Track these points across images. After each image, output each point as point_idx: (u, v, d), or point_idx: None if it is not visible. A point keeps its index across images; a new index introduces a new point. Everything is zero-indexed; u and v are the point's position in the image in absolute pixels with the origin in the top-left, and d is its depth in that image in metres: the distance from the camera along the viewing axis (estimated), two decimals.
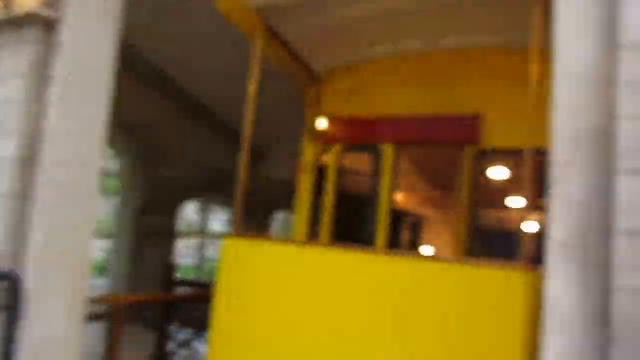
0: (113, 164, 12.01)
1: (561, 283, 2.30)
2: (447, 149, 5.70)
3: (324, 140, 6.12)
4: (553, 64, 2.52)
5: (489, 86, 5.43)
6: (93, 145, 4.57)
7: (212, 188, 12.83)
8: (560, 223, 2.41)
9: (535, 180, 3.95)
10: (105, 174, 11.91)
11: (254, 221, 13.36)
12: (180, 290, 7.48)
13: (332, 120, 6.12)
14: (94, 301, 4.95)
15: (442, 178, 7.75)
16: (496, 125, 5.35)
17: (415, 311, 3.73)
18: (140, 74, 10.22)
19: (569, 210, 2.39)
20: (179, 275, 13.60)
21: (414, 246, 9.51)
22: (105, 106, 4.69)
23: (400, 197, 8.36)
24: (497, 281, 3.54)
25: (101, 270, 14.15)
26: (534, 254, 3.66)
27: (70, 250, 4.26)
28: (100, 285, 11.72)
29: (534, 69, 4.26)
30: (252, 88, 5.17)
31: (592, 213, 2.35)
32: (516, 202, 7.22)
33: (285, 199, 13.22)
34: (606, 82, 2.40)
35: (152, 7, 8.66)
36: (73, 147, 4.39)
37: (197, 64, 10.47)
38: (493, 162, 5.82)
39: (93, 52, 4.57)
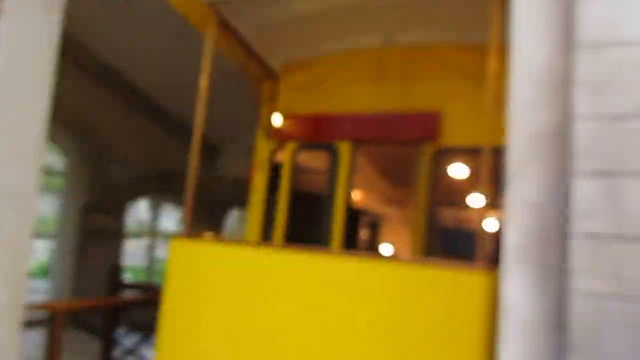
0: (57, 161, 11.64)
1: (518, 286, 2.31)
2: (405, 146, 5.71)
3: (279, 137, 6.05)
4: (510, 61, 2.52)
5: (447, 83, 5.46)
6: (33, 142, 4.38)
7: (163, 186, 12.58)
8: (516, 224, 2.42)
9: (494, 178, 3.99)
10: (49, 172, 11.53)
11: (206, 220, 13.17)
12: (128, 293, 7.29)
13: (287, 117, 6.06)
14: (33, 307, 4.76)
15: (401, 176, 7.79)
16: (455, 122, 5.39)
17: (370, 313, 3.71)
18: (85, 67, 9.92)
19: (525, 211, 2.40)
20: (127, 277, 13.29)
21: (372, 246, 9.55)
22: (46, 102, 4.50)
23: (358, 196, 8.37)
24: (455, 282, 3.55)
25: (44, 272, 13.72)
26: (493, 254, 3.69)
27: (8, 252, 4.07)
28: (43, 288, 11.34)
29: (492, 65, 4.29)
30: (203, 82, 5.05)
31: (548, 214, 2.36)
32: (475, 200, 7.32)
33: (240, 197, 13.09)
34: (563, 80, 2.41)
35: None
36: (11, 144, 4.20)
37: (146, 57, 10.25)
38: (452, 160, 5.86)
39: (33, 44, 4.38)
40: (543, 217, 2.40)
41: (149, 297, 6.20)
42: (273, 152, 6.09)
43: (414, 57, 5.62)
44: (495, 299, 3.58)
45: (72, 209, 10.68)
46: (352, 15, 5.53)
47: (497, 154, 4.15)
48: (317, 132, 5.95)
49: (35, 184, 4.59)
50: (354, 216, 6.05)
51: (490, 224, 4.20)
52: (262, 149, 6.11)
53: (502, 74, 4.38)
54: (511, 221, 2.43)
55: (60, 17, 4.67)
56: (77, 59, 9.46)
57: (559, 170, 2.35)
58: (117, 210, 11.41)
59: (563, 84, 2.41)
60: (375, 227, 9.81)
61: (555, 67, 2.39)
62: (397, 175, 8.18)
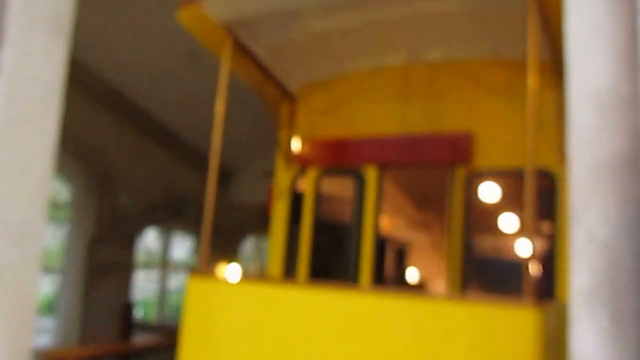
0: (61, 191, 11.63)
1: (590, 335, 2.15)
2: (435, 170, 5.59)
3: (300, 163, 5.95)
4: (565, 83, 2.40)
5: (478, 101, 5.35)
6: (39, 175, 4.32)
7: (174, 214, 12.53)
8: (583, 264, 2.27)
9: (535, 203, 3.86)
10: (53, 202, 11.52)
11: (220, 248, 13.08)
12: (141, 336, 7.17)
13: (308, 141, 5.96)
14: (39, 355, 4.65)
15: (429, 198, 7.66)
16: (488, 143, 5.26)
17: (404, 356, 3.56)
18: (91, 91, 9.94)
19: (593, 250, 2.25)
20: (138, 314, 13.18)
21: (398, 274, 9.38)
22: (54, 134, 4.46)
23: (383, 221, 8.24)
24: (500, 320, 3.40)
25: (48, 308, 13.65)
26: (537, 286, 3.55)
27: (11, 293, 3.99)
28: (47, 328, 11.25)
29: (532, 82, 4.19)
30: (219, 108, 5.00)
31: (619, 252, 2.21)
32: (512, 226, 7.15)
33: (255, 224, 12.98)
34: (630, 103, 2.28)
35: (107, 21, 8.46)
36: (16, 178, 4.14)
37: (156, 79, 10.27)
38: (487, 184, 5.72)
39: (39, 72, 4.32)
40: (614, 255, 2.24)
41: (164, 340, 6.07)
42: (294, 179, 5.98)
43: (441, 74, 5.53)
44: (547, 339, 3.42)
45: (79, 241, 10.62)
46: (374, 32, 5.46)
47: (539, 176, 4.02)
48: (340, 157, 5.84)
49: (42, 219, 4.53)
50: (380, 245, 5.91)
51: (530, 252, 4.06)
52: (282, 176, 6.01)
53: (540, 91, 4.28)
54: (578, 261, 2.27)
55: (68, 44, 4.64)
56: (82, 82, 9.48)
57: (630, 203, 2.21)
58: (126, 241, 11.36)
59: (631, 107, 2.27)
60: (401, 254, 9.65)
61: (621, 88, 2.27)
62: (425, 198, 8.05)
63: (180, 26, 5.30)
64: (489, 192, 5.77)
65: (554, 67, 5.11)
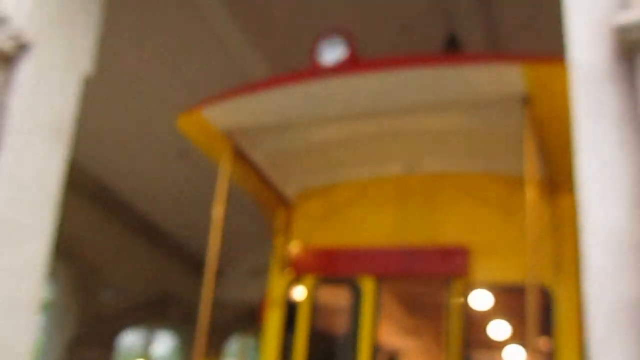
0: (43, 289, 11.35)
1: None
2: (432, 283, 5.57)
3: (295, 271, 5.90)
4: (580, 225, 2.45)
5: (475, 214, 5.42)
6: (32, 285, 4.25)
7: (158, 311, 12.23)
8: None
9: (536, 319, 3.85)
10: None
11: (206, 346, 12.70)
12: None
13: (304, 248, 5.95)
14: None
15: (420, 303, 7.57)
16: (485, 257, 5.29)
17: None
18: (81, 188, 9.89)
19: None
20: None
21: None
22: (49, 241, 4.43)
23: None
24: None
25: None
26: None
27: None
28: None
29: (531, 200, 4.28)
30: (218, 211, 5.05)
31: None
32: (507, 338, 7.05)
33: (243, 323, 12.68)
34: None
35: (98, 117, 8.57)
36: (8, 286, 4.07)
37: (145, 176, 10.32)
38: (484, 299, 5.69)
39: (39, 180, 4.35)
40: None
41: None
42: (288, 287, 5.91)
43: (438, 186, 5.62)
44: None
45: (57, 342, 10.25)
46: (371, 143, 5.59)
47: (538, 292, 4.02)
48: (336, 266, 5.82)
49: (34, 329, 4.40)
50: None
51: None
52: (277, 283, 5.94)
53: (536, 207, 4.36)
54: None
55: (67, 149, 4.68)
56: (69, 176, 9.45)
57: None
58: (108, 341, 11.01)
59: None
60: None
61: (635, 230, 2.32)
62: (413, 301, 7.96)
63: (172, 125, 5.41)
64: (485, 305, 5.74)
65: (548, 183, 5.24)
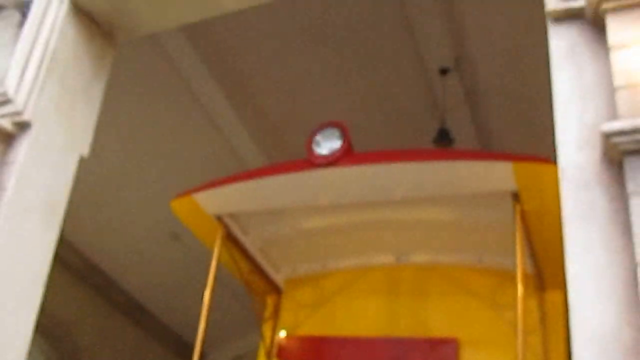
0: None
1: None
2: None
3: (282, 359, 5.79)
4: (570, 325, 2.45)
5: (464, 307, 5.41)
6: None
7: None
8: None
9: None
10: None
11: None
12: None
13: (292, 336, 5.86)
14: None
15: None
16: (473, 350, 5.25)
17: None
18: (67, 264, 9.75)
19: None
20: None
21: None
22: (33, 321, 4.34)
23: None
24: None
25: None
26: None
27: None
28: None
29: (520, 294, 4.29)
30: (206, 298, 5.03)
31: None
32: None
33: None
34: (630, 350, 2.32)
35: (88, 196, 8.55)
36: None
37: (135, 257, 10.21)
38: None
39: (28, 261, 4.31)
40: None
41: None
42: None
43: (428, 278, 5.64)
44: None
45: None
46: (361, 233, 5.65)
47: None
48: (325, 356, 5.72)
49: None
50: None
51: None
52: None
53: (526, 301, 4.37)
54: None
55: (58, 232, 4.64)
56: (57, 253, 9.33)
57: None
58: None
59: (632, 354, 2.31)
60: None
61: (624, 335, 2.32)
62: None
63: (167, 207, 5.45)
64: None
65: (538, 278, 5.28)
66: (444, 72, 7.68)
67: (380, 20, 7.02)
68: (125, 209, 9.17)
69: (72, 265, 9.92)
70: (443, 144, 7.62)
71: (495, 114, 8.48)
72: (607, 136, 2.54)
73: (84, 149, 4.61)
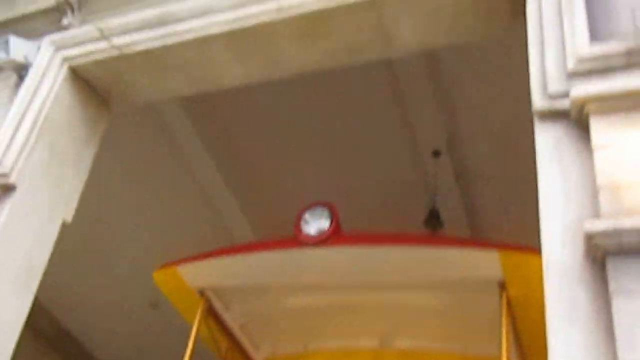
0: None
1: None
2: None
3: None
4: None
5: None
6: None
7: None
8: None
9: None
10: None
11: None
12: None
13: None
14: None
15: None
16: None
17: None
18: (33, 327, 9.46)
19: None
20: None
21: None
22: None
23: None
24: None
25: None
26: None
27: None
28: None
29: None
30: None
31: None
32: None
33: None
34: None
35: (64, 261, 8.42)
36: None
37: (110, 322, 9.99)
38: None
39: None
40: None
41: None
42: None
43: None
44: None
45: None
46: (347, 314, 5.58)
47: None
48: None
49: None
50: None
51: None
52: None
53: None
54: None
55: (33, 296, 4.56)
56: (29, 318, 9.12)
57: None
58: None
59: None
60: None
61: None
62: None
63: (148, 275, 5.38)
64: None
65: None
66: (436, 154, 7.80)
67: (372, 101, 7.19)
68: (106, 275, 9.04)
69: (44, 332, 9.66)
70: (433, 224, 7.65)
71: (485, 197, 8.55)
72: (590, 237, 2.56)
73: (68, 215, 4.59)
